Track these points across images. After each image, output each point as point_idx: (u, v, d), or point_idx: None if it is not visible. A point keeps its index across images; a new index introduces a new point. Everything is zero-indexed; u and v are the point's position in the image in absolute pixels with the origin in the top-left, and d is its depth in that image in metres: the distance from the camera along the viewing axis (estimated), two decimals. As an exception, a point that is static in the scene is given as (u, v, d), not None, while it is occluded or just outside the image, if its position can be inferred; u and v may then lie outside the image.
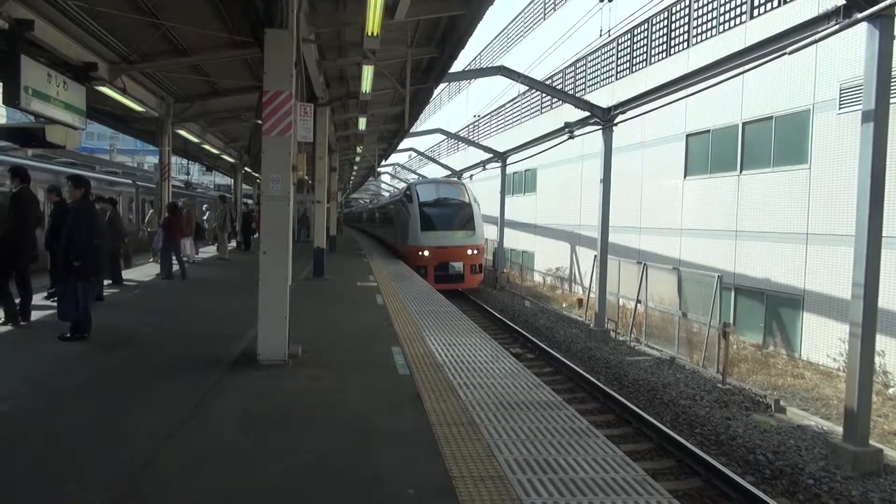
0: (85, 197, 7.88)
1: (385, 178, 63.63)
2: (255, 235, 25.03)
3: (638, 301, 15.99)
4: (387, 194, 55.49)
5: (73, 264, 7.42)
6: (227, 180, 41.12)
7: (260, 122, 6.71)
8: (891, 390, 10.99)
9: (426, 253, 21.25)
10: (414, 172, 48.70)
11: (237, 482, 3.89)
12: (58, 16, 9.05)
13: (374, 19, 8.79)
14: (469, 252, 21.77)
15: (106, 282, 11.45)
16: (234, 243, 24.78)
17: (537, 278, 27.84)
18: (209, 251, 21.83)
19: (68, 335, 7.60)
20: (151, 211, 17.57)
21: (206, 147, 21.32)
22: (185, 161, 31.25)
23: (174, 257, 14.25)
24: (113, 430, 4.73)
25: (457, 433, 4.76)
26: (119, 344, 7.63)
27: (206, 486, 3.83)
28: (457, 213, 22.53)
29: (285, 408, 5.34)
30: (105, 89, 11.30)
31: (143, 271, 15.13)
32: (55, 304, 8.39)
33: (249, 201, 34.08)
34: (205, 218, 20.34)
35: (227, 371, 6.47)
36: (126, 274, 13.51)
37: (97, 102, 12.45)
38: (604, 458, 4.38)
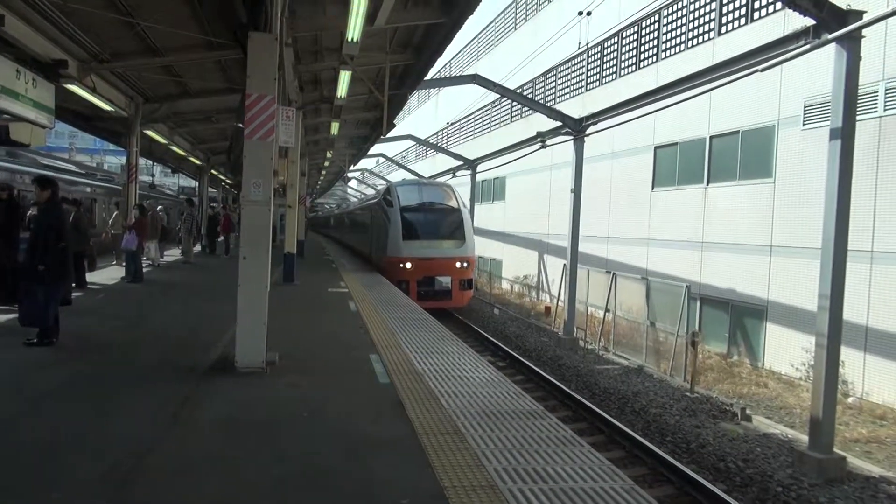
0: (52, 199, 7.66)
1: (353, 183, 63.33)
2: (220, 239, 24.71)
3: (607, 310, 16.19)
4: (354, 199, 55.03)
5: (38, 268, 7.20)
6: (192, 182, 40.40)
7: (242, 125, 6.63)
8: (850, 399, 11.33)
9: (408, 265, 18.54)
10: (382, 178, 48.56)
11: (225, 492, 3.82)
12: (29, 12, 8.79)
13: (355, 25, 8.76)
14: (458, 265, 19.08)
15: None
16: (199, 247, 24.36)
17: (505, 286, 27.99)
18: (174, 254, 21.45)
19: (34, 340, 7.36)
20: (116, 213, 17.16)
21: (174, 148, 20.93)
22: (149, 162, 30.58)
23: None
24: (92, 439, 4.60)
25: (443, 442, 4.75)
26: (89, 350, 7.43)
27: (193, 497, 3.75)
28: (444, 220, 19.85)
29: (269, 415, 5.27)
30: (74, 88, 11.01)
31: (107, 274, 14.77)
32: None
33: (215, 205, 33.54)
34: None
35: (204, 377, 6.36)
36: (89, 277, 13.17)
37: (63, 100, 12.11)
38: (591, 466, 4.42)
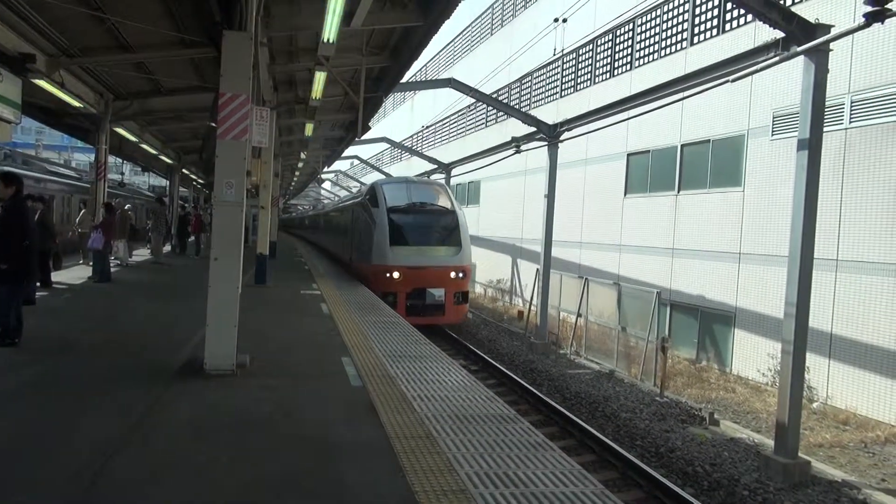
0: (16, 195, 7.47)
1: (326, 184, 63.09)
2: (191, 239, 24.39)
3: (579, 315, 16.31)
4: (327, 200, 54.63)
5: (0, 267, 7.02)
6: (163, 182, 39.87)
7: (214, 124, 6.55)
8: (815, 404, 11.56)
9: (396, 275, 16.12)
10: (356, 180, 48.39)
11: (194, 496, 3.76)
12: (-4, 4, 8.61)
13: (331, 26, 8.72)
14: (453, 275, 16.57)
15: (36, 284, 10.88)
16: (168, 247, 24.03)
17: (479, 290, 28.06)
18: (142, 254, 21.10)
19: (-4, 341, 7.18)
20: (84, 210, 16.82)
21: (144, 147, 20.60)
22: (118, 160, 30.14)
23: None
24: (56, 442, 4.48)
25: (415, 446, 4.73)
26: (53, 351, 7.26)
27: (161, 501, 3.68)
28: (437, 223, 17.35)
29: (239, 419, 5.19)
30: (42, 83, 10.78)
31: (73, 274, 14.48)
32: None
33: (185, 204, 33.13)
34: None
35: (172, 380, 6.25)
36: (55, 276, 12.88)
37: (29, 95, 11.86)
38: (562, 471, 4.43)
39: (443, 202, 17.97)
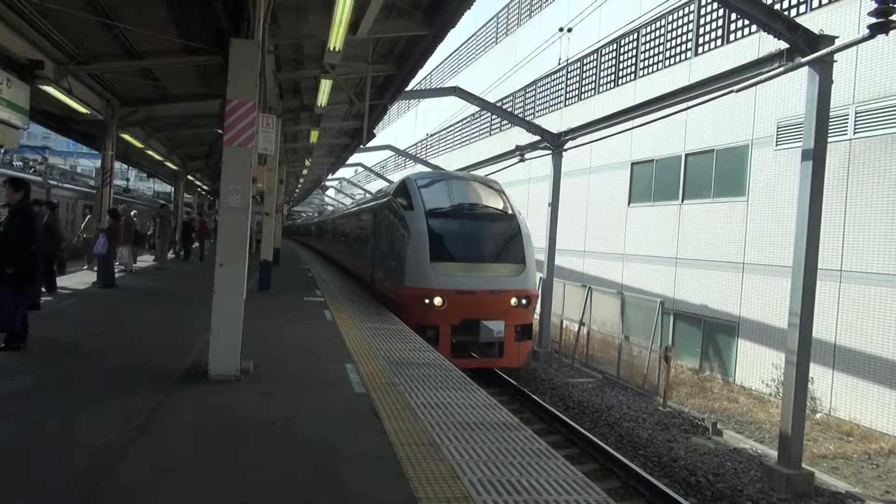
0: (24, 201, 7.53)
1: (330, 192, 63.22)
2: (195, 245, 24.44)
3: (582, 323, 16.30)
4: (330, 208, 54.59)
5: (6, 271, 7.07)
6: (167, 188, 40.02)
7: (221, 131, 6.60)
8: (818, 415, 11.52)
9: (438, 301, 11.95)
10: (360, 188, 48.47)
11: (196, 500, 3.77)
12: (6, 11, 8.66)
13: (337, 34, 8.78)
14: (514, 302, 12.28)
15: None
16: (172, 253, 24.08)
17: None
18: (146, 260, 21.17)
19: (2, 345, 7.20)
20: (89, 216, 16.90)
21: (150, 153, 20.68)
22: (123, 166, 30.26)
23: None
24: (59, 446, 4.50)
25: (419, 453, 4.74)
26: (58, 355, 7.29)
27: (165, 507, 3.70)
28: (493, 232, 13.14)
29: (242, 424, 5.21)
30: (50, 89, 10.86)
31: (78, 279, 14.52)
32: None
33: (189, 209, 33.23)
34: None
35: (176, 385, 6.26)
36: (60, 282, 12.93)
37: (36, 102, 11.95)
38: (565, 479, 4.43)
39: (497, 203, 13.70)
